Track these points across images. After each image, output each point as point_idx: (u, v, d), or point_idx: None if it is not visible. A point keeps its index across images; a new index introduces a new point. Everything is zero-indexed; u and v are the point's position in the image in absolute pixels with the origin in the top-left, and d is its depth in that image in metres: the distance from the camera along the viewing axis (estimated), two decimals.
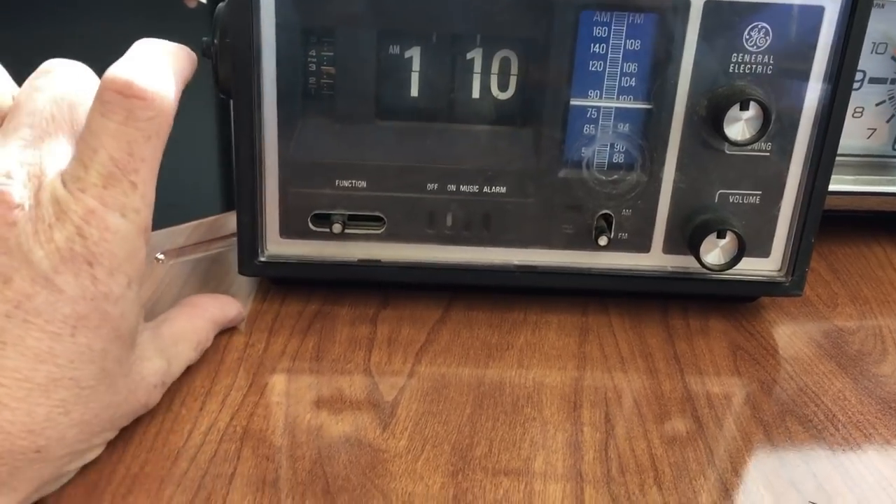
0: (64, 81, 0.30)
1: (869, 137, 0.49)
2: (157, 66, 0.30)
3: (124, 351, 0.30)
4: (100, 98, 0.28)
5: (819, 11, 0.35)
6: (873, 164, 0.50)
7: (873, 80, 0.47)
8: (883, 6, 0.45)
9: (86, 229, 0.27)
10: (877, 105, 0.48)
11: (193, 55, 0.33)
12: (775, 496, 0.31)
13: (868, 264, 0.48)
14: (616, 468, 0.32)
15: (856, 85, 0.47)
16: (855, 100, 0.48)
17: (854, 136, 0.49)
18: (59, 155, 0.28)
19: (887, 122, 0.49)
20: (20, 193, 0.26)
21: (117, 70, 0.28)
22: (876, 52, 0.47)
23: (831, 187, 0.47)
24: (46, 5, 1.10)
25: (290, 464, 0.31)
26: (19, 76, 0.31)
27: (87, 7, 1.15)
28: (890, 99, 0.48)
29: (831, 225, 0.50)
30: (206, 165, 1.16)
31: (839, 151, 0.48)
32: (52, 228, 0.27)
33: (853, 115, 0.48)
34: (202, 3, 1.10)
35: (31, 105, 0.29)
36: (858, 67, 0.47)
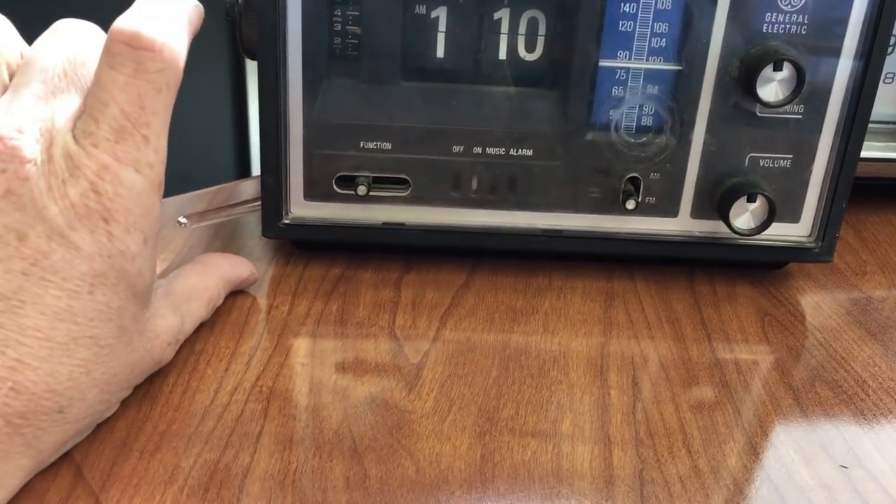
0: (74, 39, 0.29)
1: None
2: (165, 17, 0.29)
3: (140, 308, 0.30)
4: (108, 51, 0.27)
5: None
6: None
7: None
8: None
9: (100, 185, 0.27)
10: None
11: (200, 6, 0.32)
12: (805, 459, 0.31)
13: None
14: (644, 431, 0.32)
15: (888, 49, 0.46)
16: (887, 65, 0.47)
17: (885, 102, 0.48)
18: (70, 111, 0.28)
19: None
20: (32, 148, 0.26)
21: (124, 21, 0.28)
22: None
23: (861, 154, 0.46)
24: None
25: (317, 423, 0.31)
26: (27, 37, 0.31)
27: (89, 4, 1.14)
28: None
29: (859, 193, 0.50)
30: (219, 132, 1.15)
31: (871, 118, 0.48)
32: (66, 184, 0.26)
33: (884, 81, 0.47)
34: None
35: (42, 61, 0.28)
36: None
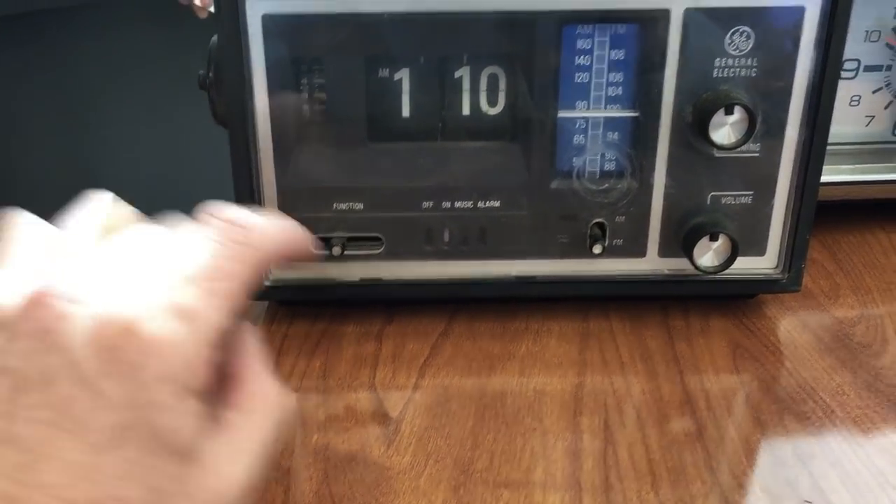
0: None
1: (868, 125, 0.49)
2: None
3: (182, 467, 0.26)
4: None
5: (800, 12, 0.35)
6: (873, 150, 0.50)
7: (868, 68, 0.47)
8: None
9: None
10: (873, 92, 0.48)
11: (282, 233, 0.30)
12: (772, 498, 0.32)
13: (871, 251, 0.48)
14: (614, 475, 0.33)
15: (851, 74, 0.47)
16: (851, 88, 0.48)
17: (852, 124, 0.49)
18: None
19: (885, 108, 0.49)
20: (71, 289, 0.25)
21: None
22: (869, 41, 0.47)
23: (830, 178, 0.47)
24: (64, 19, 1.12)
25: (297, 485, 0.33)
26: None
27: (101, 20, 1.16)
28: (887, 86, 0.48)
29: (834, 213, 0.51)
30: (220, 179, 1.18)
31: (838, 140, 0.49)
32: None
33: (850, 104, 0.48)
34: (212, 13, 1.11)
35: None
36: (853, 56, 0.47)
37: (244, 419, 0.28)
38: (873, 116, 0.49)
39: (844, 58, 0.47)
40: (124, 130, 1.21)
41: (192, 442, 0.26)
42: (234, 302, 0.27)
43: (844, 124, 0.48)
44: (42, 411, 0.24)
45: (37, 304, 0.24)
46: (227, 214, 0.28)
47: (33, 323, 0.24)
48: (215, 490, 0.27)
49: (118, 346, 0.24)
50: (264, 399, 0.29)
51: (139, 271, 0.27)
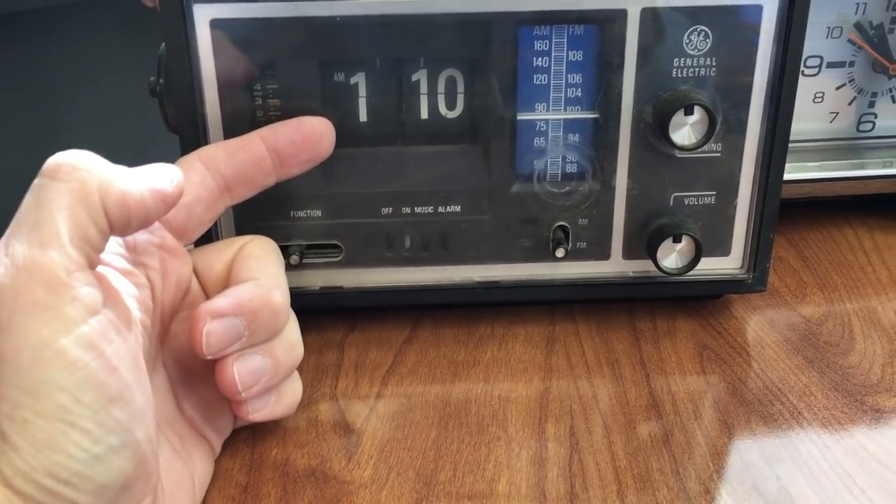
0: None
1: (832, 121, 0.49)
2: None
3: None
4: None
5: (758, 10, 0.35)
6: (839, 147, 0.49)
7: (831, 65, 0.47)
8: None
9: None
10: (837, 89, 0.48)
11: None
12: (737, 503, 0.31)
13: (838, 248, 0.48)
14: (579, 484, 0.32)
15: (814, 70, 0.47)
16: (815, 85, 0.47)
17: (817, 120, 0.49)
18: None
19: (849, 104, 0.48)
20: None
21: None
22: (831, 37, 0.46)
23: (796, 175, 0.47)
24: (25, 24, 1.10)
25: (256, 502, 0.32)
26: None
27: (69, 23, 1.15)
28: (850, 81, 0.48)
29: (801, 210, 0.50)
30: None
31: (803, 137, 0.49)
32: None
33: (814, 101, 0.48)
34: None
35: None
36: (815, 53, 0.47)
37: None
38: (837, 113, 0.48)
39: (807, 54, 0.47)
40: (91, 134, 1.19)
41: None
42: None
43: (809, 121, 0.48)
44: None
45: None
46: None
47: None
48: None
49: None
50: None
51: None
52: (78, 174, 0.26)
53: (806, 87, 0.47)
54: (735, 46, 0.36)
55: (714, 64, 0.36)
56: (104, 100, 1.12)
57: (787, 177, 0.46)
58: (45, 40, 1.15)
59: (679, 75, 0.36)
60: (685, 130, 0.35)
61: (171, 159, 0.32)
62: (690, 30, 0.35)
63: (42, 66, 1.14)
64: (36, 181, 0.26)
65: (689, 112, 0.35)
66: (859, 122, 0.49)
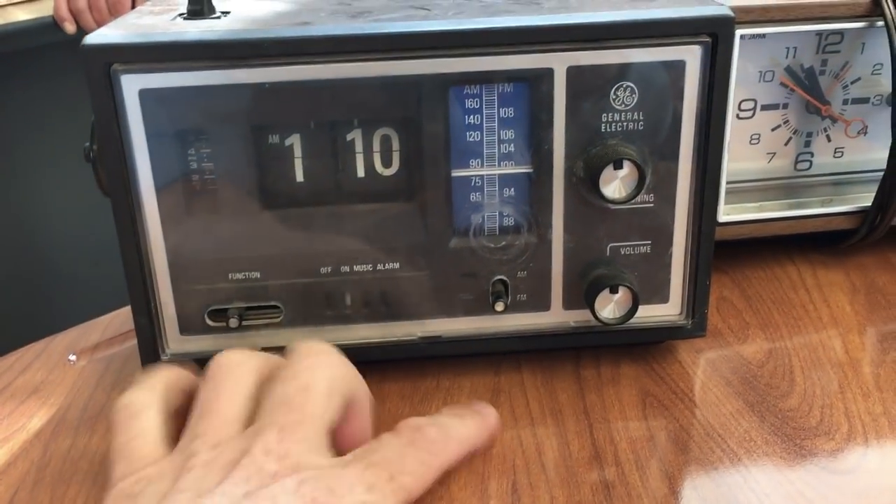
0: None
1: (770, 161, 0.50)
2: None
3: None
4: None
5: (681, 65, 0.36)
6: (778, 186, 0.50)
7: (765, 107, 0.48)
8: (764, 36, 0.46)
9: None
10: (772, 130, 0.49)
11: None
12: None
13: (781, 286, 0.49)
14: None
15: (748, 113, 0.48)
16: (750, 127, 0.48)
17: (755, 161, 0.49)
18: None
19: (785, 144, 0.49)
20: None
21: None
22: (764, 80, 0.47)
23: (736, 217, 0.48)
24: None
25: None
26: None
27: (29, 67, 1.15)
28: (785, 123, 0.49)
29: (744, 249, 0.51)
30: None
31: (742, 178, 0.49)
32: None
33: (751, 142, 0.49)
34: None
35: None
36: (749, 97, 0.48)
37: None
38: (775, 153, 0.49)
39: (741, 98, 0.48)
40: (57, 178, 1.19)
41: None
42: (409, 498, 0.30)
43: (747, 162, 0.49)
44: None
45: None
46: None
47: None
48: None
49: None
50: None
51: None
52: None
53: (742, 130, 0.48)
54: (661, 100, 0.36)
55: (641, 118, 0.36)
56: (63, 145, 1.11)
57: (726, 218, 0.47)
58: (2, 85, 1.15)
59: (607, 130, 0.36)
60: (615, 184, 0.36)
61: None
62: (616, 86, 0.36)
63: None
64: None
65: (618, 166, 0.36)
66: (797, 162, 0.50)
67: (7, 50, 1.14)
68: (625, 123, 0.36)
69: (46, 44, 1.16)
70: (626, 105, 0.36)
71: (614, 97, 0.36)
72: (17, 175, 1.23)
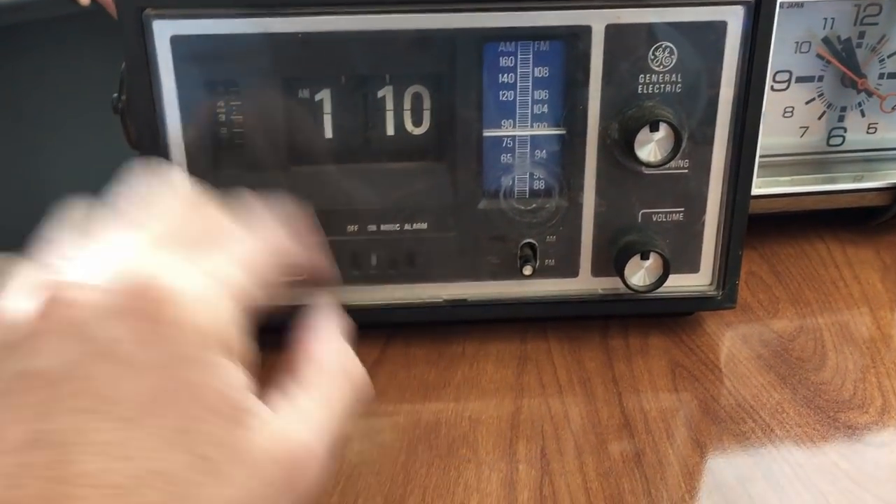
0: None
1: (802, 136, 0.49)
2: None
3: (228, 431, 0.24)
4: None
5: (722, 26, 0.35)
6: (810, 161, 0.49)
7: (800, 80, 0.47)
8: (802, 5, 0.45)
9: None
10: (806, 103, 0.48)
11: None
12: None
13: (810, 263, 0.48)
14: None
15: (783, 85, 0.47)
16: (784, 100, 0.48)
17: (787, 135, 0.49)
18: None
19: (819, 118, 0.48)
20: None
21: None
22: (800, 52, 0.46)
23: (767, 190, 0.47)
24: None
25: None
26: None
27: (46, 36, 1.14)
28: (819, 96, 0.48)
29: (773, 225, 0.50)
30: None
31: (774, 152, 0.49)
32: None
33: (784, 115, 0.48)
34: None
35: None
36: (784, 68, 0.47)
37: (310, 389, 0.27)
38: (807, 127, 0.49)
39: (776, 69, 0.47)
40: (69, 149, 1.18)
41: (239, 404, 0.24)
42: (262, 276, 0.27)
43: (779, 136, 0.48)
44: (73, 401, 0.22)
45: (50, 301, 0.23)
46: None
47: (49, 321, 0.23)
48: (272, 455, 0.25)
49: (139, 308, 0.23)
50: (331, 371, 0.28)
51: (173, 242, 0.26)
52: None
53: (776, 102, 0.47)
54: (700, 62, 0.35)
55: (679, 80, 0.35)
56: (75, 117, 1.11)
57: (758, 192, 0.46)
58: (20, 54, 1.14)
59: (644, 91, 0.35)
60: (651, 147, 0.35)
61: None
62: (655, 46, 0.35)
63: (16, 81, 1.14)
64: None
65: (654, 129, 0.35)
66: (829, 137, 0.49)
67: (21, 21, 1.14)
68: (662, 85, 0.35)
69: (60, 16, 1.16)
70: (665, 66, 0.35)
71: (653, 58, 0.35)
72: (31, 149, 1.23)
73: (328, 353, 0.29)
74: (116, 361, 0.23)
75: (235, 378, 0.25)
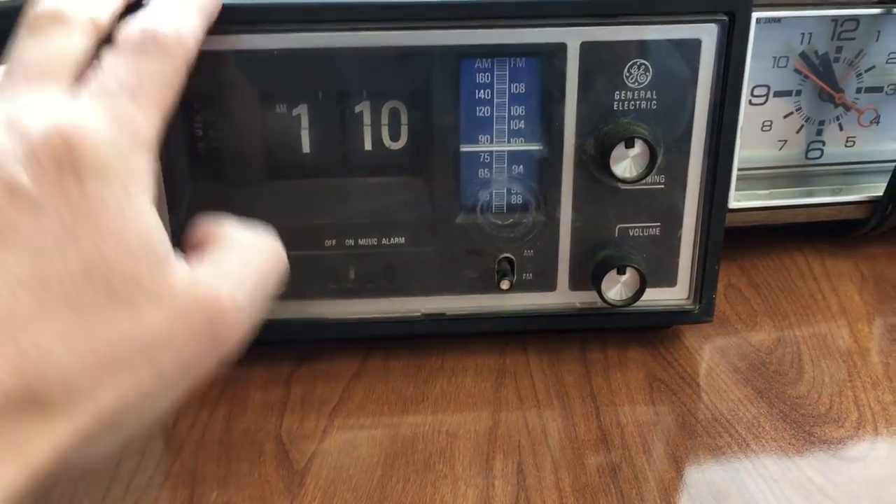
0: None
1: (781, 149, 0.49)
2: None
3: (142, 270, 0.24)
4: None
5: (696, 44, 0.35)
6: (788, 174, 0.50)
7: (778, 94, 0.47)
8: (780, 21, 0.45)
9: None
10: (785, 117, 0.48)
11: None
12: None
13: (789, 275, 0.48)
14: None
15: (761, 99, 0.47)
16: (763, 114, 0.48)
17: (766, 148, 0.49)
18: None
19: (797, 132, 0.49)
20: None
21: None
22: (778, 66, 0.47)
23: (745, 203, 0.47)
24: None
25: None
26: None
27: None
28: (797, 110, 0.48)
29: (752, 237, 0.51)
30: None
31: (752, 165, 0.49)
32: None
33: (762, 129, 0.48)
34: None
35: None
36: (762, 82, 0.47)
37: (230, 251, 0.28)
38: (786, 141, 0.49)
39: (754, 83, 0.47)
40: None
41: (159, 247, 0.25)
42: (165, 111, 0.27)
43: (758, 149, 0.48)
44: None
45: None
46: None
47: None
48: (195, 302, 0.25)
49: (55, 153, 0.23)
50: (245, 238, 0.29)
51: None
52: None
53: (754, 116, 0.48)
54: (675, 79, 0.36)
55: (655, 97, 0.36)
56: None
57: (736, 205, 0.47)
58: None
59: (620, 108, 0.36)
60: (626, 163, 0.35)
61: None
62: (630, 64, 0.35)
63: None
64: None
65: (629, 145, 0.35)
66: (808, 150, 0.50)
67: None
68: (638, 102, 0.36)
69: None
70: (640, 83, 0.35)
71: (628, 75, 0.35)
72: None
73: (237, 229, 0.29)
74: (31, 203, 0.23)
75: (155, 223, 0.25)
